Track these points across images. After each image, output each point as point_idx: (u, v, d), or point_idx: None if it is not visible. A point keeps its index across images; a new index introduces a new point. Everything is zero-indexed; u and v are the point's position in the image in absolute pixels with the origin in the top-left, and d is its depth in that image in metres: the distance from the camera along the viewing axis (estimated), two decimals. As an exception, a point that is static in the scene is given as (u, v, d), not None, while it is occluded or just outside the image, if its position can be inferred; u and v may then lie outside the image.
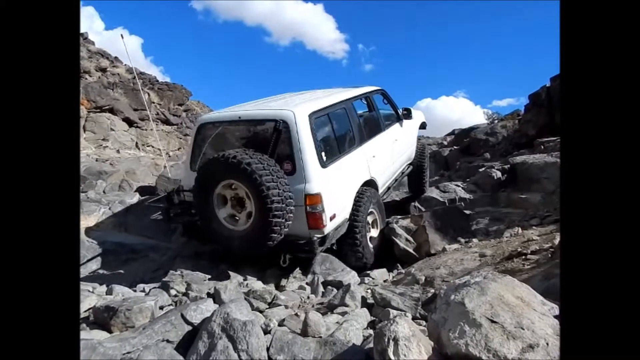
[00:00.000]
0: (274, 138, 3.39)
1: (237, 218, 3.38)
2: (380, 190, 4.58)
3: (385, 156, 4.74)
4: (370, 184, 4.20)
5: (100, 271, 4.14)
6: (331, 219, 3.44)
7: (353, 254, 3.82)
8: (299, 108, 3.58)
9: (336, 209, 3.53)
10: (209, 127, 3.94)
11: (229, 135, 3.87)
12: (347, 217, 3.75)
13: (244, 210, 3.33)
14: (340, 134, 4.05)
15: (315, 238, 3.36)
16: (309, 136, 3.46)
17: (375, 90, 5.23)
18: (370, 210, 4.04)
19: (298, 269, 3.72)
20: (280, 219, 3.11)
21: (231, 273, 3.60)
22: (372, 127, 4.73)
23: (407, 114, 5.52)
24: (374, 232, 4.24)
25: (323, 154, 3.54)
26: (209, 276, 3.49)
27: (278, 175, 3.13)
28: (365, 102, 4.97)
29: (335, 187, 3.56)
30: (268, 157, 3.24)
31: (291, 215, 3.20)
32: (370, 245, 4.02)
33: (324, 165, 3.50)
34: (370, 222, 4.12)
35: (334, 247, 3.82)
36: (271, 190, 3.05)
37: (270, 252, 3.48)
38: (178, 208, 3.97)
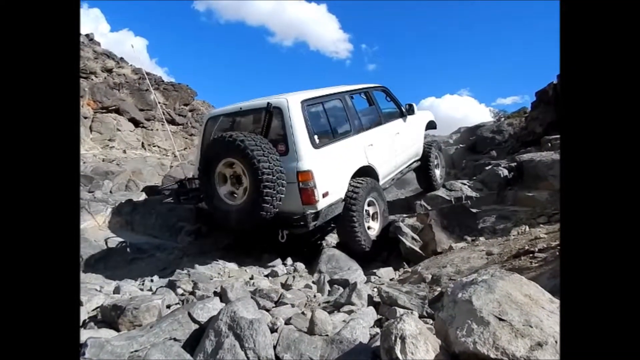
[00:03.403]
0: (266, 120, 3.75)
1: (236, 195, 3.67)
2: (383, 181, 4.74)
3: (385, 147, 4.85)
4: (368, 171, 4.35)
5: (108, 270, 4.17)
6: (324, 195, 3.66)
7: (351, 237, 3.96)
8: (292, 96, 3.89)
9: (329, 187, 3.73)
10: (216, 120, 4.46)
11: (233, 125, 4.34)
12: (342, 197, 3.94)
13: (241, 187, 3.64)
14: (335, 122, 4.30)
15: (308, 213, 3.56)
16: (301, 119, 3.74)
17: (375, 87, 5.33)
18: (369, 199, 4.17)
19: (304, 267, 3.72)
20: (271, 190, 3.36)
21: (236, 270, 3.61)
22: (370, 118, 4.89)
23: (410, 110, 5.59)
24: (375, 222, 4.33)
25: (315, 136, 3.79)
26: (216, 275, 3.50)
27: (269, 152, 3.44)
28: (365, 97, 5.11)
29: (327, 166, 3.79)
30: (261, 136, 3.58)
31: (282, 188, 3.45)
32: (370, 233, 4.12)
33: (316, 146, 3.74)
34: (370, 210, 4.25)
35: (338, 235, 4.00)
36: (262, 163, 3.36)
37: (268, 230, 3.78)
38: (188, 193, 4.45)
